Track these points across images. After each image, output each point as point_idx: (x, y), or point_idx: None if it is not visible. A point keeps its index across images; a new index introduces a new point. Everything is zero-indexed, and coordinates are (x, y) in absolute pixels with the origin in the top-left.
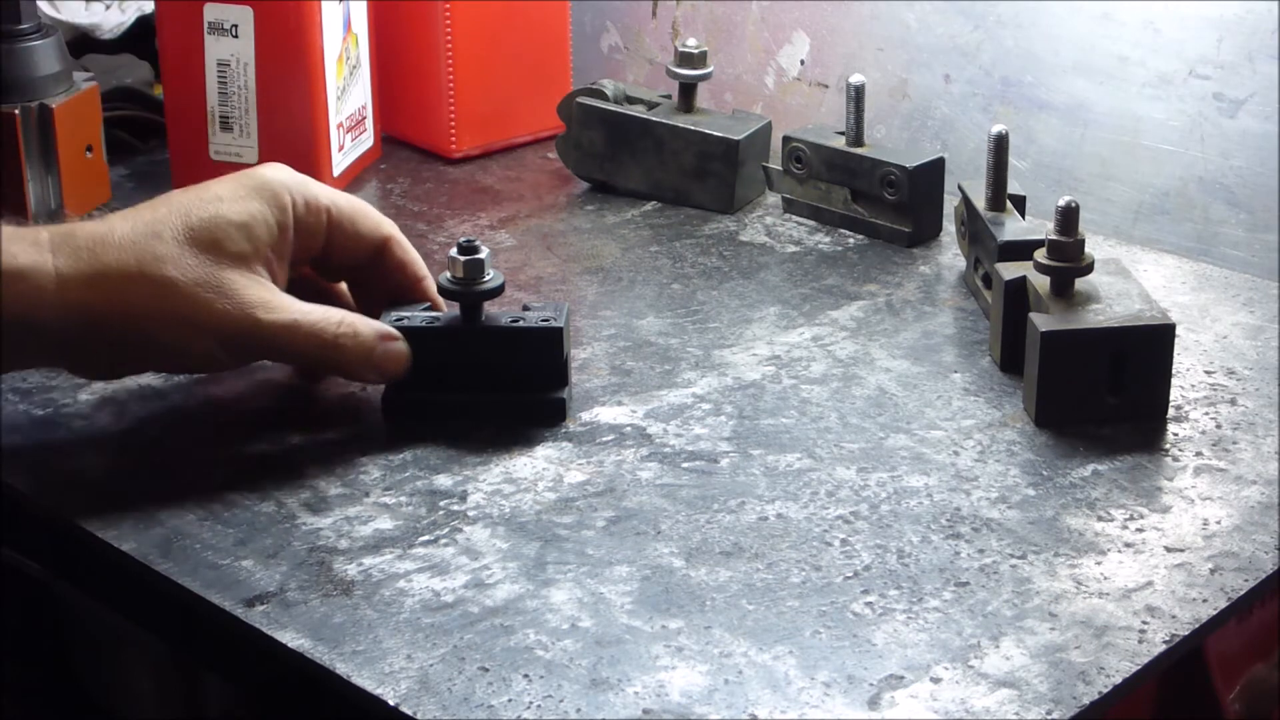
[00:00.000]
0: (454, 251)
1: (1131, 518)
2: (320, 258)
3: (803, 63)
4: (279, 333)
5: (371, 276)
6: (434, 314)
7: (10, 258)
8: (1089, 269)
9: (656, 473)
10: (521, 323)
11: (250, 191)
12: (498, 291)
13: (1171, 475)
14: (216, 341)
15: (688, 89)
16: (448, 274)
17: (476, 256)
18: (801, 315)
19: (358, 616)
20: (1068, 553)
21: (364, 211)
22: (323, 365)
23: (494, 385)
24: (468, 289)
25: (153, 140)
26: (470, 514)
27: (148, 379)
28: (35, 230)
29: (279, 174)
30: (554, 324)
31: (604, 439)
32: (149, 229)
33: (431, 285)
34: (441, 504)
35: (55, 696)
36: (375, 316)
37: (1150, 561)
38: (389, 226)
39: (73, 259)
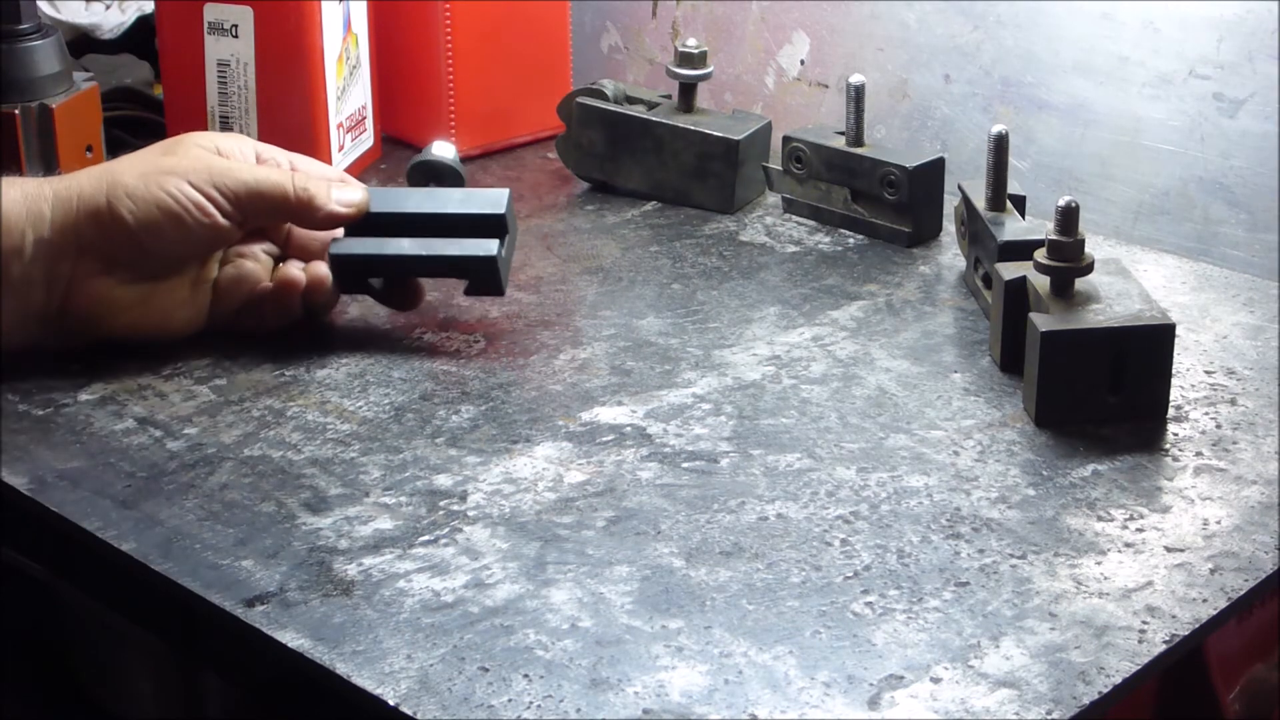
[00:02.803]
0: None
1: (1131, 518)
2: None
3: (803, 63)
4: (249, 185)
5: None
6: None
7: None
8: (1089, 269)
9: (656, 473)
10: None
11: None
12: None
13: (1171, 475)
14: (194, 186)
15: (688, 89)
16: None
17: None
18: (801, 315)
19: (358, 616)
20: (1068, 553)
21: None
22: (288, 213)
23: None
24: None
25: (153, 140)
26: (470, 514)
27: (146, 380)
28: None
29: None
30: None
31: (604, 439)
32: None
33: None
34: (441, 504)
35: (55, 696)
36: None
37: (1150, 561)
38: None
39: (60, 182)
